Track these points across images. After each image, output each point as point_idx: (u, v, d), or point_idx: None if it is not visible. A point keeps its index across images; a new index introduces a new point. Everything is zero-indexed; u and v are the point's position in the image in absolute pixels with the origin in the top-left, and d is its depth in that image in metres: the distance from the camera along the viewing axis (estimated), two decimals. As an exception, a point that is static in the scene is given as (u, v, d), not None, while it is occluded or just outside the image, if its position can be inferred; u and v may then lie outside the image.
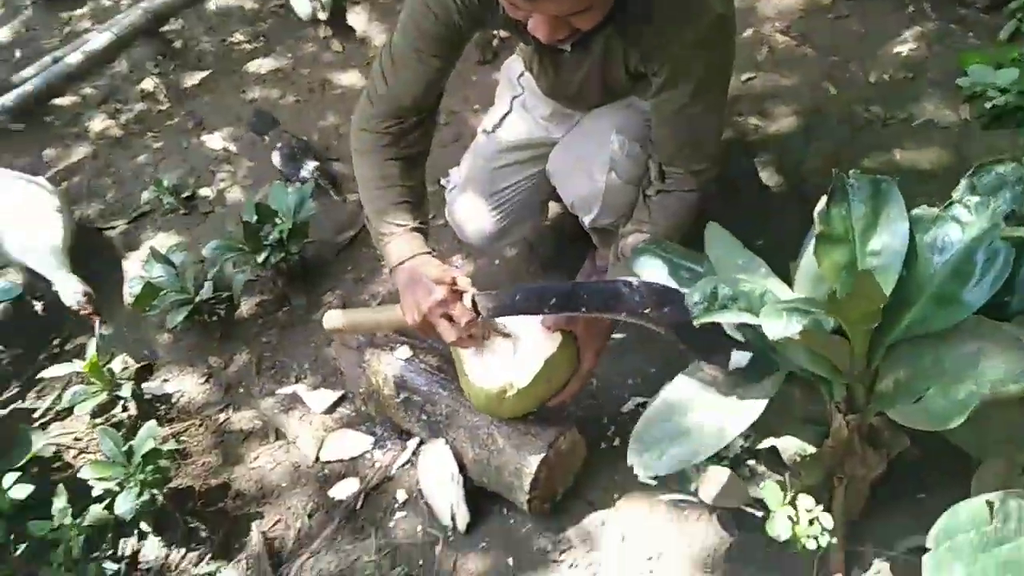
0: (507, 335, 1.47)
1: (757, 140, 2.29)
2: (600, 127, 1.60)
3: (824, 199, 1.11)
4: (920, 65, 2.38)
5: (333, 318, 1.57)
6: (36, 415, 1.93)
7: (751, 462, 1.50)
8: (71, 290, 2.01)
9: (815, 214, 1.11)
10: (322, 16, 2.71)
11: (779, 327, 0.98)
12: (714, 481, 1.42)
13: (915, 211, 1.12)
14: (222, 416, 1.91)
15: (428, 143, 1.55)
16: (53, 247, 2.07)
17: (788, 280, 1.30)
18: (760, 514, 1.32)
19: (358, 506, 1.67)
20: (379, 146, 1.46)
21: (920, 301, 1.09)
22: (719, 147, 1.52)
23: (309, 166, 2.30)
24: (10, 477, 1.57)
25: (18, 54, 3.05)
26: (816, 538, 1.21)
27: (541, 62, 1.58)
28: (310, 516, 1.68)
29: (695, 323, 1.13)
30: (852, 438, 1.18)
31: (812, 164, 2.18)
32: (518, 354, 1.45)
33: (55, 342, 2.10)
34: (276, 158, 2.34)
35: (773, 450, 1.32)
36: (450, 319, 1.37)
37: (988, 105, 2.13)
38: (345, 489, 1.71)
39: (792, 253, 1.38)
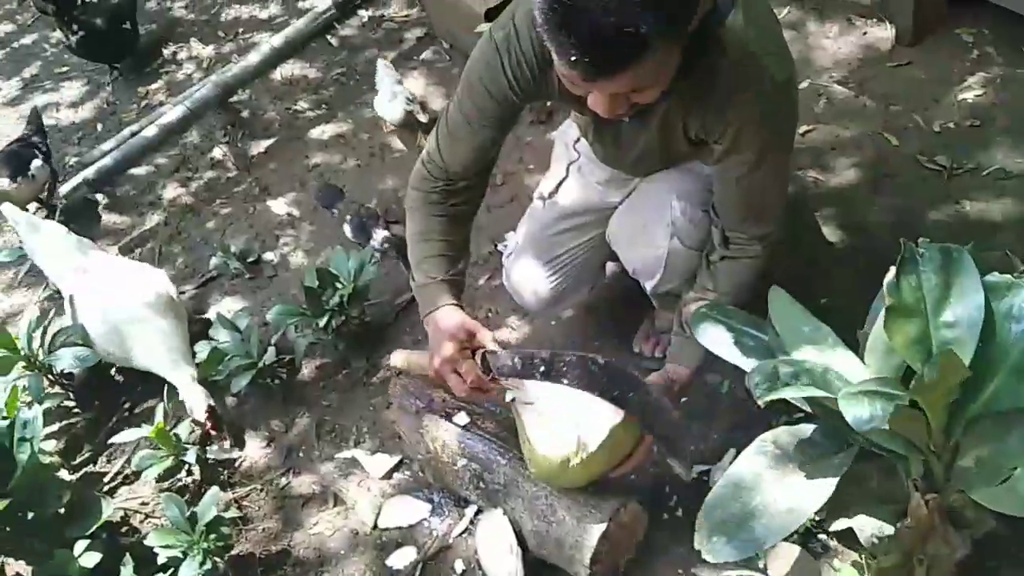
0: (522, 398, 1.47)
1: (818, 195, 2.25)
2: (660, 192, 1.58)
3: (893, 270, 1.07)
4: (987, 111, 2.30)
5: (398, 357, 1.67)
6: (106, 479, 1.99)
7: (822, 537, 1.44)
8: (199, 404, 1.96)
9: (884, 286, 1.07)
10: (422, 119, 2.60)
11: (863, 416, 0.94)
12: (783, 558, 1.36)
13: (988, 278, 1.07)
14: (283, 480, 1.93)
15: (477, 203, 1.59)
16: (179, 349, 2.06)
17: (855, 348, 1.25)
18: (835, 596, 1.25)
19: (416, 576, 1.66)
20: (427, 203, 1.52)
21: (1000, 373, 1.03)
22: (783, 211, 1.49)
23: (379, 236, 2.30)
24: (81, 544, 1.61)
25: (99, 128, 3.24)
26: (898, 625, 1.14)
27: (599, 132, 1.58)
28: (368, 586, 1.67)
29: (759, 403, 1.10)
30: (932, 518, 1.11)
31: (876, 218, 2.12)
32: (583, 423, 1.43)
33: (126, 406, 2.17)
34: (347, 230, 2.36)
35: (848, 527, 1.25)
36: (459, 374, 1.40)
37: (1063, 151, 2.05)
38: (403, 558, 1.70)
39: (857, 311, 1.34)
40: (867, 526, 1.15)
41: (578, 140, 1.78)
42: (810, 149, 2.37)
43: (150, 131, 2.85)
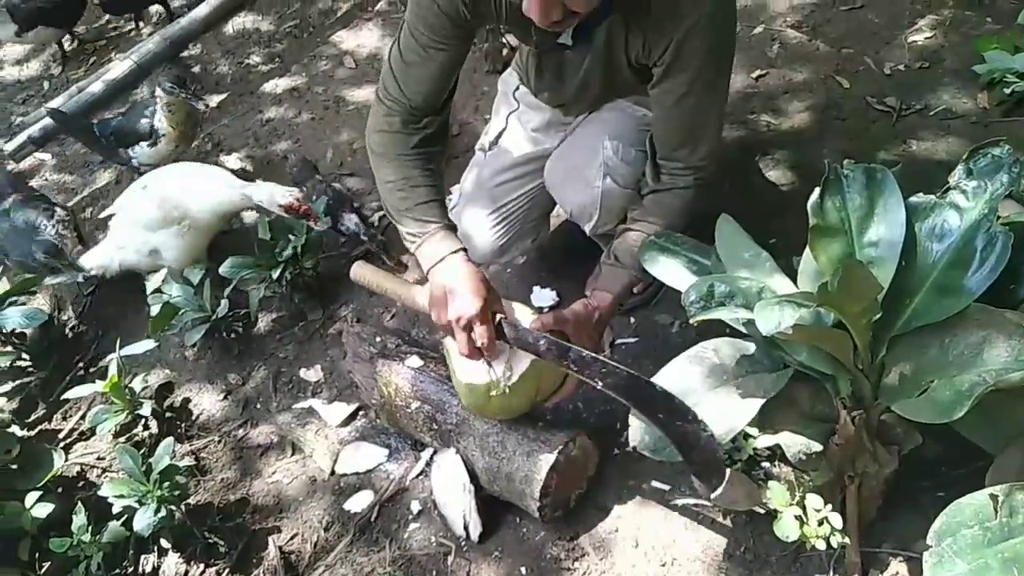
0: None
1: (770, 138, 2.26)
2: (593, 134, 1.59)
3: (817, 191, 1.09)
4: (936, 54, 2.33)
5: (360, 270, 1.56)
6: (61, 436, 1.98)
7: (766, 464, 1.48)
8: (278, 193, 2.01)
9: (808, 206, 1.08)
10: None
11: (772, 321, 0.96)
12: (727, 484, 1.39)
13: (912, 199, 1.09)
14: (241, 432, 1.93)
15: (445, 140, 1.54)
16: (230, 178, 2.12)
17: (795, 276, 1.27)
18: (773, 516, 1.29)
19: (373, 518, 1.68)
20: (394, 144, 1.46)
21: (921, 291, 1.06)
22: (719, 142, 1.50)
23: (349, 222, 2.22)
24: (32, 496, 1.61)
25: (46, 86, 3.15)
26: (827, 539, 1.18)
27: (542, 63, 1.57)
28: (326, 529, 1.69)
29: (691, 321, 1.12)
30: (860, 435, 1.15)
31: (826, 160, 2.14)
32: (508, 354, 1.44)
33: (80, 364, 2.15)
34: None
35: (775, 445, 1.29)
36: (470, 333, 1.35)
37: (1007, 91, 2.08)
38: (360, 502, 1.72)
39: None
40: (794, 443, 1.18)
41: (518, 88, 1.77)
42: (763, 93, 2.38)
43: (96, 87, 2.78)
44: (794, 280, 1.26)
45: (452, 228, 1.45)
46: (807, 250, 1.16)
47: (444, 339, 1.48)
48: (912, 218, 1.08)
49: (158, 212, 2.07)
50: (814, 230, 1.09)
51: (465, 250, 1.41)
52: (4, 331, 2.07)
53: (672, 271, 1.34)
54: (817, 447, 1.17)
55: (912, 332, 1.06)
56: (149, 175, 2.19)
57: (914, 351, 1.06)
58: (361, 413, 1.89)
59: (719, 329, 1.54)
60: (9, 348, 2.13)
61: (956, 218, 1.06)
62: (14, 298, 2.07)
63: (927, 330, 1.04)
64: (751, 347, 1.23)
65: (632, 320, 1.90)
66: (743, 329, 1.25)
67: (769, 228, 1.94)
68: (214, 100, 2.88)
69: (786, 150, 2.21)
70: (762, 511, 1.34)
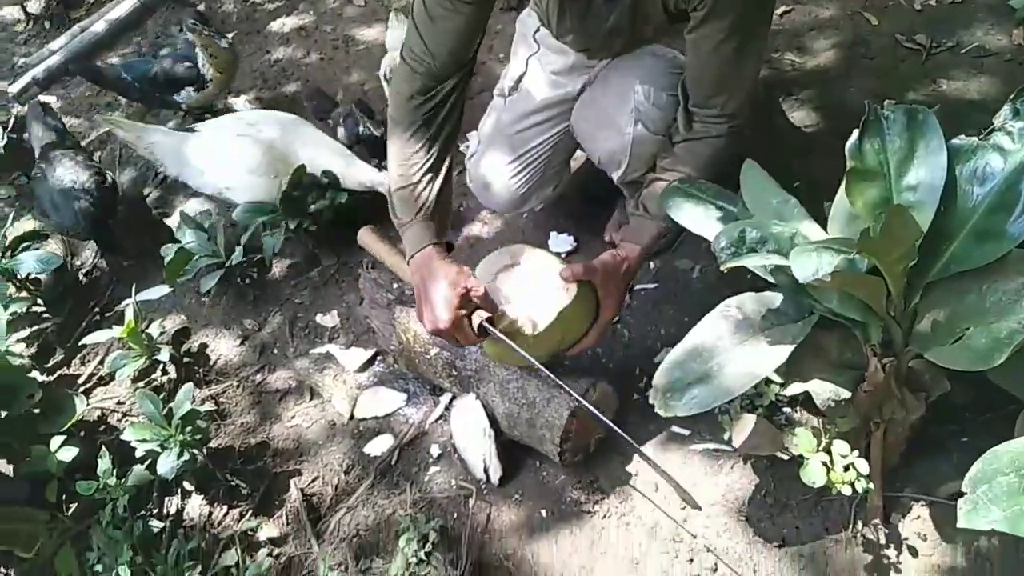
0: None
1: (795, 77, 2.20)
2: (622, 79, 1.53)
3: (856, 132, 1.05)
4: (970, -12, 2.24)
5: (366, 237, 1.63)
6: (80, 381, 1.99)
7: (787, 410, 1.47)
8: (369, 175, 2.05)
9: (846, 149, 1.05)
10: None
11: (809, 268, 0.94)
12: (747, 429, 1.39)
13: (954, 141, 1.05)
14: (259, 377, 1.94)
15: (459, 116, 1.50)
16: (334, 144, 2.14)
17: (824, 221, 1.24)
18: (795, 461, 1.29)
19: (393, 461, 1.69)
20: (410, 115, 1.44)
21: (960, 236, 1.03)
22: (754, 91, 1.45)
23: (363, 123, 2.24)
24: (57, 440, 1.62)
25: (47, 26, 3.08)
26: (852, 484, 1.18)
27: (564, 5, 1.51)
28: (347, 472, 1.71)
29: (722, 268, 1.09)
30: (889, 382, 1.13)
31: (853, 99, 2.09)
32: (533, 304, 1.42)
33: (95, 310, 2.15)
34: (341, 133, 2.27)
35: (809, 397, 1.28)
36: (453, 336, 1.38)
37: (1045, 27, 2.01)
38: (380, 445, 1.73)
39: (831, 194, 1.32)
40: (823, 390, 1.17)
41: (537, 30, 1.70)
42: (788, 30, 2.31)
43: (99, 26, 2.71)
44: (823, 225, 1.23)
45: (433, 218, 1.44)
46: (840, 194, 1.12)
47: None
48: (952, 161, 1.05)
49: (263, 158, 2.05)
50: (851, 173, 1.05)
51: (440, 243, 1.42)
52: (19, 277, 2.07)
53: (697, 217, 1.30)
54: (846, 394, 1.16)
55: (949, 278, 1.04)
56: (256, 114, 2.19)
57: (951, 297, 1.04)
58: (379, 358, 1.90)
59: (742, 275, 1.53)
60: (24, 294, 2.13)
61: (1000, 161, 1.02)
62: (28, 243, 2.07)
63: (965, 276, 1.02)
64: (775, 300, 1.20)
65: (652, 265, 1.88)
66: (769, 277, 1.23)
67: (793, 170, 1.90)
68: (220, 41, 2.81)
69: (811, 90, 2.15)
70: (785, 457, 1.35)
